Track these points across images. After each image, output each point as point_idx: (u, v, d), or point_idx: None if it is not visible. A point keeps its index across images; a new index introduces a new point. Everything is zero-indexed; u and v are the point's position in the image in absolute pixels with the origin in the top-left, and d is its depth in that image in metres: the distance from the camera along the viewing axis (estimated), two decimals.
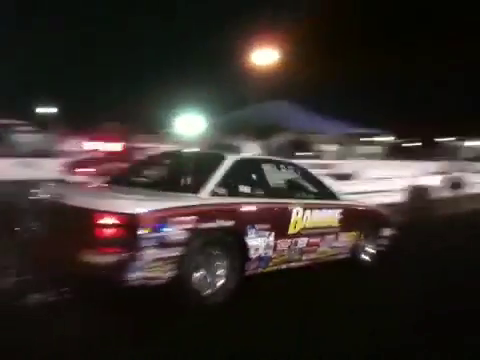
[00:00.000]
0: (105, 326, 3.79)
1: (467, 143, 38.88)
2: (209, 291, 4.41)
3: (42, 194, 4.58)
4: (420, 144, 39.07)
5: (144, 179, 5.41)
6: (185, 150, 6.27)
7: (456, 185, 10.29)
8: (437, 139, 41.26)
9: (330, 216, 5.65)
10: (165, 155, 6.22)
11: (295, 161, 6.08)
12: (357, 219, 6.04)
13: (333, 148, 28.45)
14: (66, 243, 3.95)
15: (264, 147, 19.47)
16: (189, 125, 24.86)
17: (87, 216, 3.88)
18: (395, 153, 32.22)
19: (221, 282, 4.50)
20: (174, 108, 30.29)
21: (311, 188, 5.75)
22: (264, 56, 26.13)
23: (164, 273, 4.02)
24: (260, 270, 4.93)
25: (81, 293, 4.34)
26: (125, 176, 5.41)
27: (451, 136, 41.39)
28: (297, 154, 20.51)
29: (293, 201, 5.25)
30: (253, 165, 5.26)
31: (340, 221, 5.75)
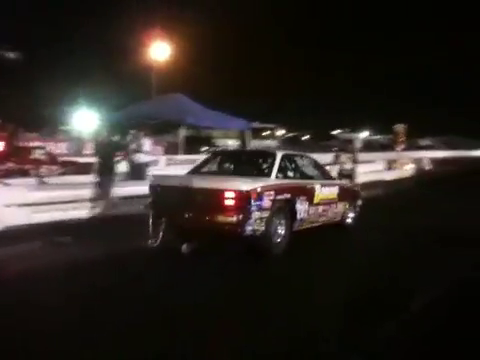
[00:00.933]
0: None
1: (358, 135, 43.50)
2: (278, 239, 6.88)
3: (170, 182, 6.80)
4: (309, 137, 42.93)
5: (221, 169, 7.74)
6: (243, 149, 8.69)
7: (347, 176, 11.69)
8: (332, 132, 45.52)
9: (333, 191, 8.35)
10: (227, 153, 8.69)
11: (309, 154, 8.72)
12: (346, 193, 8.78)
13: (233, 143, 30.81)
14: (203, 212, 6.23)
15: (162, 142, 20.55)
16: (84, 122, 25.23)
17: (218, 193, 6.19)
18: (290, 145, 35.31)
19: (283, 233, 6.98)
20: (69, 105, 30.33)
21: (320, 173, 8.40)
22: (160, 51, 26.31)
23: (261, 227, 6.43)
24: (300, 227, 7.47)
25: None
26: (202, 168, 7.72)
27: (344, 128, 45.98)
28: (202, 150, 22.33)
29: (315, 181, 7.86)
30: (291, 158, 7.79)
31: (337, 195, 8.46)
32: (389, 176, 19.79)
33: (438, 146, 41.06)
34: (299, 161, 8.06)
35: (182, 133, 19.43)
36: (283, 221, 7.04)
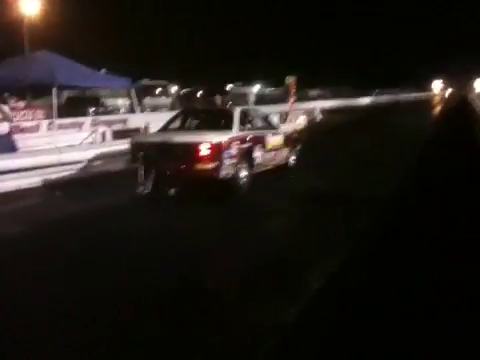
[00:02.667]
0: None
1: (251, 89, 44.56)
2: (242, 181, 8.39)
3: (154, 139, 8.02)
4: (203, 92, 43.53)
5: (190, 126, 9.03)
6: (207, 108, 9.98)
7: None
8: (225, 86, 45.85)
9: (279, 139, 9.91)
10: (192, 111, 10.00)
11: (259, 108, 10.23)
12: (288, 140, 10.40)
13: (124, 102, 30.24)
14: (184, 162, 7.56)
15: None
16: None
17: (195, 146, 7.54)
18: (185, 102, 35.70)
19: (246, 175, 8.48)
20: None
21: (269, 124, 9.93)
22: (28, 5, 23.31)
23: (231, 171, 7.90)
24: (257, 170, 9.02)
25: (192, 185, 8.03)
26: (170, 125, 8.98)
27: (236, 82, 46.39)
28: (91, 111, 21.18)
29: (266, 131, 9.39)
30: (246, 113, 9.23)
31: (283, 142, 10.06)
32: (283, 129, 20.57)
33: (327, 96, 42.76)
34: (252, 115, 9.53)
35: (64, 94, 18.03)
36: (245, 166, 8.49)
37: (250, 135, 8.73)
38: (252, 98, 43.69)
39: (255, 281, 4.52)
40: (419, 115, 30.45)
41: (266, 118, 10.10)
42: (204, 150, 7.55)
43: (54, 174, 9.40)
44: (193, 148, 7.59)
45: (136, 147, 8.07)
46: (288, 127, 19.70)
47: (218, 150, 7.64)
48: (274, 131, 9.77)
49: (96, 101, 29.54)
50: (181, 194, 7.92)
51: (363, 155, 12.49)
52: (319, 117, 27.04)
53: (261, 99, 38.75)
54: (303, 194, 8.22)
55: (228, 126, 8.44)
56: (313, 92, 45.42)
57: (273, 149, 9.52)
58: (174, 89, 42.82)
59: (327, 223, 6.42)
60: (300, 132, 18.94)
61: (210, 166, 7.57)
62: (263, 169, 9.25)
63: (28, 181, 9.14)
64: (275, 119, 12.11)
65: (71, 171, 9.53)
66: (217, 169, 7.65)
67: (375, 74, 57.34)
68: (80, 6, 37.01)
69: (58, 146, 10.10)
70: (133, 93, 13.30)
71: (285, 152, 10.21)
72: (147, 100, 31.95)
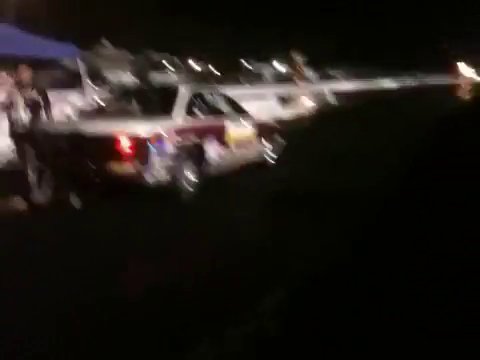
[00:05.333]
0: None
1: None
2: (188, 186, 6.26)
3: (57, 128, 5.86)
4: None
5: (121, 109, 6.85)
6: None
7: None
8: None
9: (248, 129, 7.74)
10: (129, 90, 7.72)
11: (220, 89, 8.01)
12: (262, 129, 8.15)
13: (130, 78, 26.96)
14: (98, 161, 5.43)
15: None
16: None
17: (112, 139, 5.40)
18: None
19: (194, 179, 6.35)
20: None
21: (234, 109, 7.74)
22: None
23: (165, 174, 5.77)
24: (215, 171, 6.87)
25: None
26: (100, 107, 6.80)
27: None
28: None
29: (229, 119, 7.21)
30: (200, 94, 7.05)
31: (253, 132, 7.87)
32: (285, 114, 16.72)
33: (345, 77, 39.35)
34: (209, 97, 7.31)
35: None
36: (192, 166, 6.39)
37: (201, 124, 6.57)
38: (268, 77, 41.29)
39: None
40: None
41: (232, 102, 7.86)
42: (122, 146, 5.42)
43: None
44: (107, 142, 5.46)
45: (35, 137, 5.95)
46: (282, 112, 17.62)
47: (142, 146, 5.50)
48: (241, 119, 7.58)
49: (93, 75, 27.73)
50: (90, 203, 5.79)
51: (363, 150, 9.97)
52: (332, 101, 24.54)
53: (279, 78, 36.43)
54: (267, 201, 6.15)
55: (168, 111, 6.27)
56: (330, 72, 41.92)
57: (238, 142, 7.35)
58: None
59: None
60: (295, 119, 17.00)
61: (131, 168, 5.44)
62: (223, 168, 7.11)
63: None
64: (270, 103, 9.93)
65: None
66: (141, 172, 5.52)
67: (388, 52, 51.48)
68: None
69: None
70: (81, 64, 10.89)
71: (257, 145, 8.03)
72: (155, 76, 29.97)
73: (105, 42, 29.80)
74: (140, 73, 29.61)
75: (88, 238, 4.72)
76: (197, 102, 6.89)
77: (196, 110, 6.74)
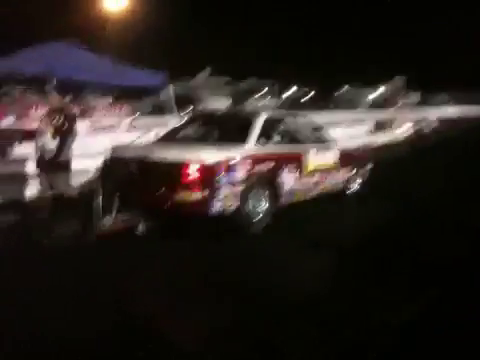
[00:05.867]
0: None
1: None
2: (258, 217, 5.86)
3: (126, 153, 5.79)
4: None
5: (194, 135, 6.70)
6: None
7: None
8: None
9: (330, 157, 7.23)
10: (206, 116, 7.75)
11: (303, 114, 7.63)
12: (348, 158, 7.59)
13: (222, 104, 28.27)
14: (163, 188, 5.24)
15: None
16: None
17: (178, 167, 5.18)
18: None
19: (265, 209, 5.95)
20: None
21: (316, 136, 7.29)
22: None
23: (232, 204, 5.44)
24: (289, 201, 6.43)
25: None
26: (174, 134, 6.70)
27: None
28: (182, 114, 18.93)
29: (307, 147, 6.77)
30: (277, 120, 6.75)
31: (336, 161, 7.33)
32: (380, 140, 15.88)
33: (451, 102, 36.11)
34: (288, 123, 6.91)
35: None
36: (264, 196, 6.00)
37: (276, 152, 6.18)
38: (363, 104, 40.24)
39: None
40: None
41: (315, 129, 7.40)
42: (188, 173, 5.18)
43: None
44: (173, 169, 5.26)
45: (106, 163, 5.90)
46: (378, 138, 16.70)
47: (210, 174, 5.22)
48: (322, 146, 7.08)
49: (191, 102, 28.77)
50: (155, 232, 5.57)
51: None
52: (426, 129, 22.96)
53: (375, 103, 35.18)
54: (341, 238, 5.52)
55: (243, 139, 5.96)
56: (413, 97, 38.96)
57: (318, 171, 6.85)
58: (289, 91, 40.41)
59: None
60: (390, 146, 15.92)
61: (195, 197, 5.18)
62: (300, 199, 6.65)
63: None
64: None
65: None
66: (207, 202, 5.23)
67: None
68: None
69: None
70: (169, 92, 10.99)
71: (341, 174, 7.47)
72: (253, 102, 30.33)
73: (207, 69, 30.77)
74: (238, 100, 30.06)
75: (151, 267, 4.50)
76: (276, 130, 6.56)
77: (273, 138, 6.40)
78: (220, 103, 29.26)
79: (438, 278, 4.30)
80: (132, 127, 12.37)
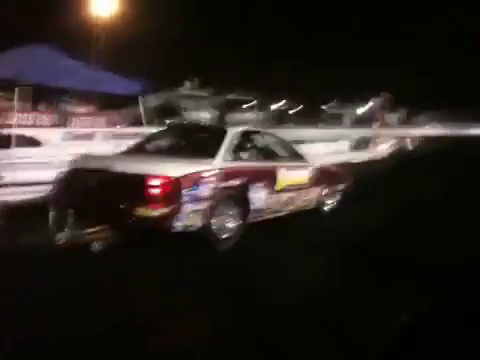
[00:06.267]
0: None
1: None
2: (226, 234, 5.68)
3: (87, 164, 5.58)
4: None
5: (161, 148, 6.52)
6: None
7: None
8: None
9: (304, 174, 7.10)
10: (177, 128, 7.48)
11: (273, 131, 7.52)
12: (322, 176, 7.49)
13: (205, 115, 28.50)
14: (123, 202, 5.03)
15: None
16: None
17: (139, 180, 4.99)
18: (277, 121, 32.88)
19: (234, 226, 5.77)
20: None
21: (288, 153, 7.17)
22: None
23: (197, 221, 5.26)
24: (258, 218, 6.27)
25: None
26: (141, 146, 6.50)
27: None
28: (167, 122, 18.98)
29: (278, 163, 6.64)
30: (248, 135, 6.59)
31: (309, 178, 7.21)
32: (357, 157, 15.83)
33: (431, 122, 36.63)
34: (259, 139, 6.76)
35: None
36: (233, 212, 5.82)
37: (246, 168, 6.03)
38: (348, 120, 40.47)
39: None
40: None
41: (287, 145, 7.27)
42: (150, 187, 4.98)
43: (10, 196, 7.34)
44: (134, 182, 5.05)
45: (66, 173, 5.67)
46: (355, 156, 16.61)
47: (173, 189, 5.03)
48: (294, 164, 6.95)
49: (175, 112, 28.68)
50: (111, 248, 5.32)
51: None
52: (412, 146, 23.10)
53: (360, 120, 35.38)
54: (313, 255, 5.42)
55: (211, 154, 5.79)
56: (393, 117, 39.38)
57: (290, 188, 6.71)
58: (276, 104, 40.62)
59: None
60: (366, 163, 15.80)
61: (157, 213, 4.97)
62: (270, 216, 6.49)
63: None
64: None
65: (26, 193, 7.39)
66: (169, 218, 5.03)
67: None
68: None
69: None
70: (141, 101, 10.80)
71: (315, 193, 7.34)
72: (232, 116, 30.41)
73: (187, 82, 30.68)
74: (223, 111, 30.02)
75: (101, 287, 4.28)
76: (247, 145, 6.43)
77: (244, 153, 6.26)
78: (204, 114, 29.29)
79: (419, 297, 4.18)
80: (111, 137, 12.24)
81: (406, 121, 34.42)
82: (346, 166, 10.69)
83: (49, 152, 8.50)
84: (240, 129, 6.51)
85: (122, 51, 23.03)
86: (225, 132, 6.12)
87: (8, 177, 7.37)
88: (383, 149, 19.23)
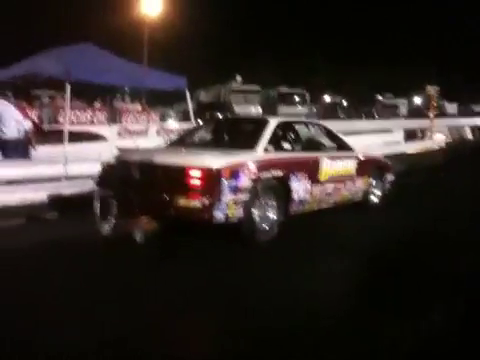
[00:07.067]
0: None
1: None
2: (267, 225, 5.63)
3: (130, 157, 5.70)
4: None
5: (204, 140, 6.57)
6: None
7: None
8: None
9: (349, 164, 6.94)
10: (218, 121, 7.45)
11: (319, 122, 7.33)
12: (368, 167, 7.31)
13: (255, 110, 28.08)
14: (164, 193, 5.08)
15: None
16: None
17: (180, 171, 5.03)
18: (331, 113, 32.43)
19: (275, 218, 5.72)
20: None
21: (332, 143, 7.03)
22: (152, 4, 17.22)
23: (237, 212, 5.23)
24: (301, 210, 6.19)
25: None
26: (184, 139, 6.58)
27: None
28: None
29: (321, 154, 6.52)
30: (290, 126, 6.52)
31: (356, 169, 7.05)
32: (409, 149, 15.36)
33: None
34: (303, 129, 6.67)
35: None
36: (274, 203, 5.76)
37: (287, 159, 5.95)
38: (403, 111, 39.54)
39: None
40: None
41: (332, 136, 7.11)
42: (190, 178, 5.01)
43: (66, 188, 7.68)
44: (175, 173, 5.10)
45: (109, 167, 5.80)
46: (407, 147, 16.11)
47: (213, 180, 5.03)
48: (339, 154, 6.80)
49: (225, 106, 28.98)
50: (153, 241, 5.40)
51: None
52: (469, 136, 22.13)
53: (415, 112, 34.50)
54: (357, 248, 5.29)
55: (252, 145, 5.76)
56: (451, 107, 38.25)
57: (334, 179, 6.57)
58: (326, 98, 40.41)
59: None
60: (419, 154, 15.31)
61: (198, 203, 4.99)
62: (314, 208, 6.39)
63: (33, 195, 7.53)
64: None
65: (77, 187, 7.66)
66: (210, 209, 5.04)
67: None
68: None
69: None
70: (188, 96, 10.83)
71: (360, 183, 7.16)
72: (283, 109, 30.43)
73: (238, 77, 30.87)
74: (268, 106, 30.04)
75: (146, 278, 4.36)
76: (288, 136, 6.36)
77: (285, 144, 6.19)
78: (255, 109, 29.38)
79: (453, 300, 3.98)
80: (161, 132, 12.58)
81: (463, 111, 33.16)
82: (400, 157, 10.32)
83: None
84: (282, 119, 6.43)
85: (170, 49, 23.52)
86: (267, 122, 6.07)
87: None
88: (440, 139, 18.52)
